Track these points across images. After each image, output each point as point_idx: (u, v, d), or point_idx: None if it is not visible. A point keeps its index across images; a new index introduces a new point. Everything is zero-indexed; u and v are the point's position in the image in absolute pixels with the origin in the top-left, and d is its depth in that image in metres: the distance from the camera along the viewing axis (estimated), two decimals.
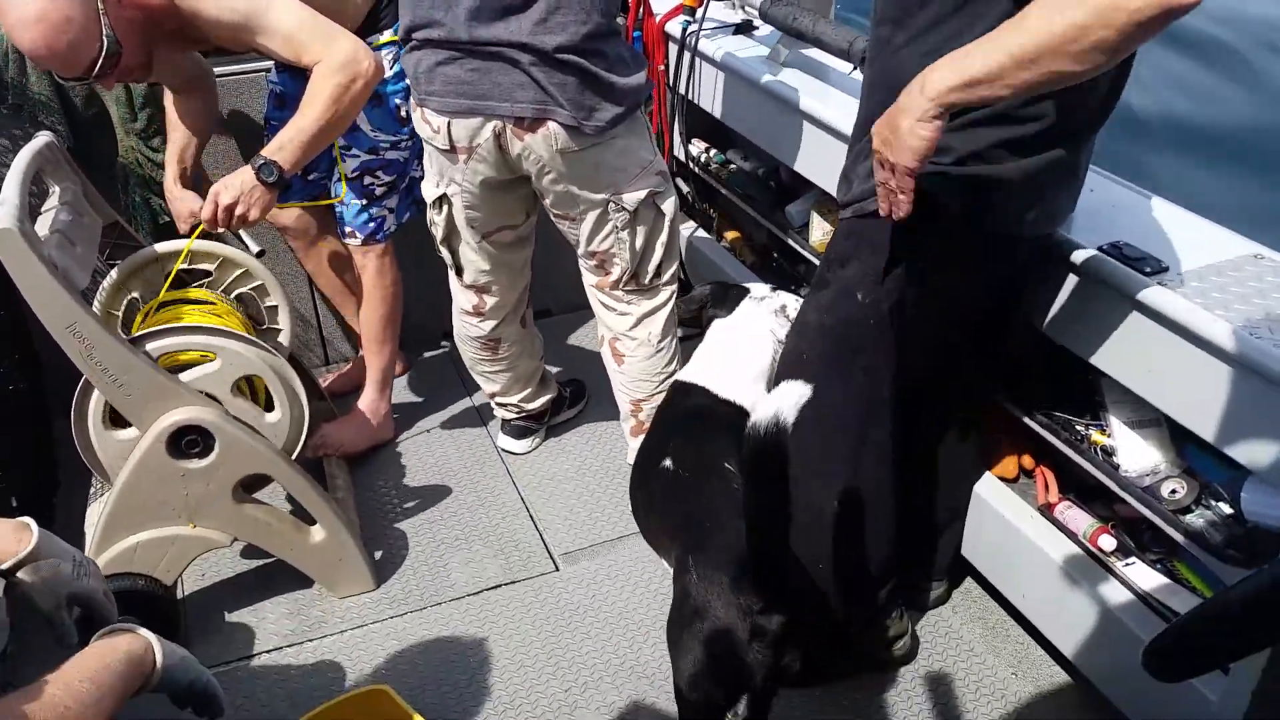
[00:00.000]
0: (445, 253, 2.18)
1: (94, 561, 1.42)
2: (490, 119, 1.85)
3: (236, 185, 1.92)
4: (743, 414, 1.71)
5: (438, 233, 2.14)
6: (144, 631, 1.27)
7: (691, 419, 1.77)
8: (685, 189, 2.99)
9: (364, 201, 2.32)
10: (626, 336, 2.12)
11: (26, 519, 1.33)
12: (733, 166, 2.83)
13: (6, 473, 2.06)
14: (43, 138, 1.96)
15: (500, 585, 2.13)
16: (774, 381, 1.68)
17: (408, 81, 2.09)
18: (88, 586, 1.38)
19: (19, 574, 1.30)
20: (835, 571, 1.71)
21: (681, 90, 2.77)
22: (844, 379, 1.62)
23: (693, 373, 1.88)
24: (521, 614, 2.05)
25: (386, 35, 2.20)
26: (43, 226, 1.86)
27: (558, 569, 2.17)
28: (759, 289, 1.99)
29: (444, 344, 2.91)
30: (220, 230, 1.99)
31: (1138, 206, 1.77)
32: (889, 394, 1.62)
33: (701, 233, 3.01)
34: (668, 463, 1.68)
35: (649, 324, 2.10)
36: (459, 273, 2.20)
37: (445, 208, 2.08)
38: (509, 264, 2.19)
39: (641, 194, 1.96)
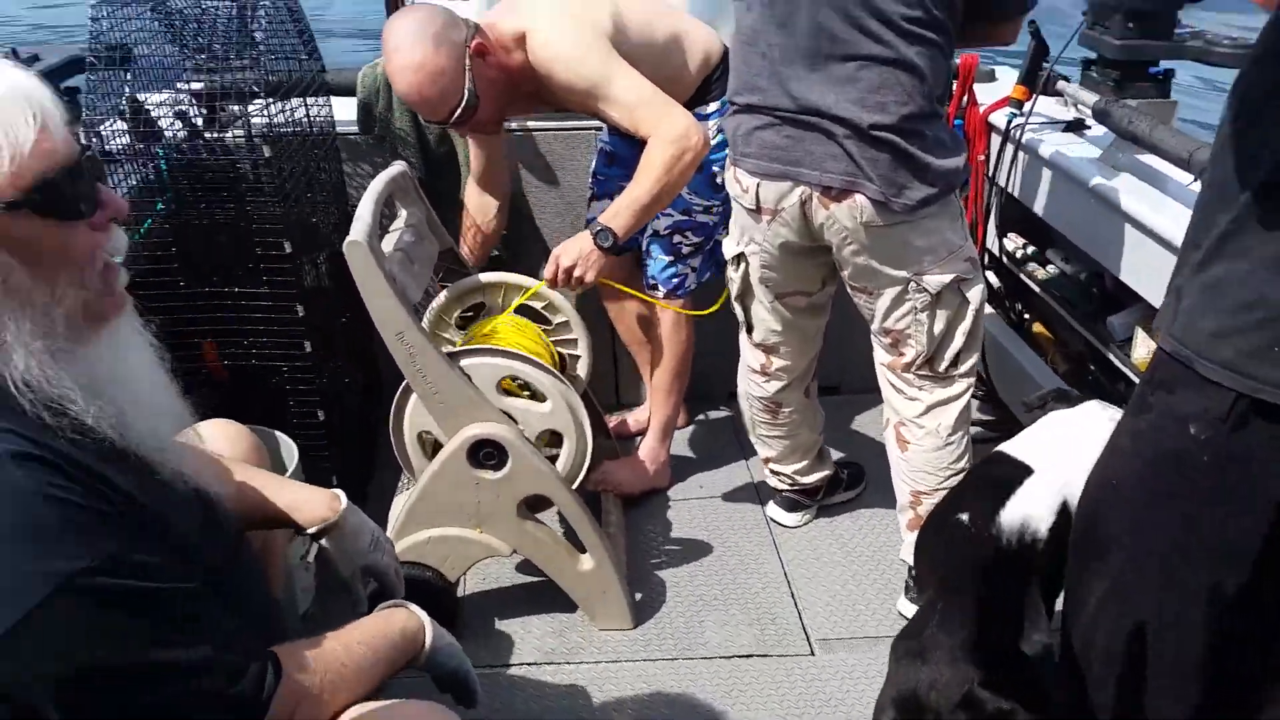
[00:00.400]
0: (738, 309, 2.21)
1: (390, 540, 1.52)
2: (799, 185, 1.87)
3: (576, 250, 2.11)
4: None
5: (733, 289, 2.18)
6: (419, 612, 1.34)
7: (1000, 486, 1.68)
8: (995, 283, 2.88)
9: (670, 258, 2.41)
10: (914, 423, 2.04)
11: (338, 491, 1.45)
12: (1050, 267, 2.69)
13: (335, 452, 2.25)
14: (397, 166, 2.18)
15: (752, 656, 2.08)
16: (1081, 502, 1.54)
17: (728, 151, 2.18)
18: (382, 561, 1.48)
19: (323, 540, 1.42)
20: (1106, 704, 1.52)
21: (1001, 182, 2.69)
22: (1158, 521, 1.42)
23: (1018, 448, 1.77)
24: (771, 690, 1.99)
25: (713, 105, 2.30)
26: (389, 244, 2.05)
27: (813, 653, 2.09)
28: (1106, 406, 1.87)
29: (723, 408, 2.94)
30: (558, 287, 2.18)
31: None
32: (1235, 539, 1.38)
33: (1009, 331, 2.87)
34: (964, 516, 1.65)
35: (940, 414, 2.01)
36: (749, 330, 2.22)
37: (743, 265, 2.12)
38: (800, 329, 2.18)
39: (946, 278, 1.90)
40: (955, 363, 2.00)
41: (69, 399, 0.99)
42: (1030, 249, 2.76)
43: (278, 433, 2.07)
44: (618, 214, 2.10)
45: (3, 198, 0.94)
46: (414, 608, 1.35)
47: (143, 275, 2.13)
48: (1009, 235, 2.81)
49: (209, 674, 1.01)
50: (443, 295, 2.27)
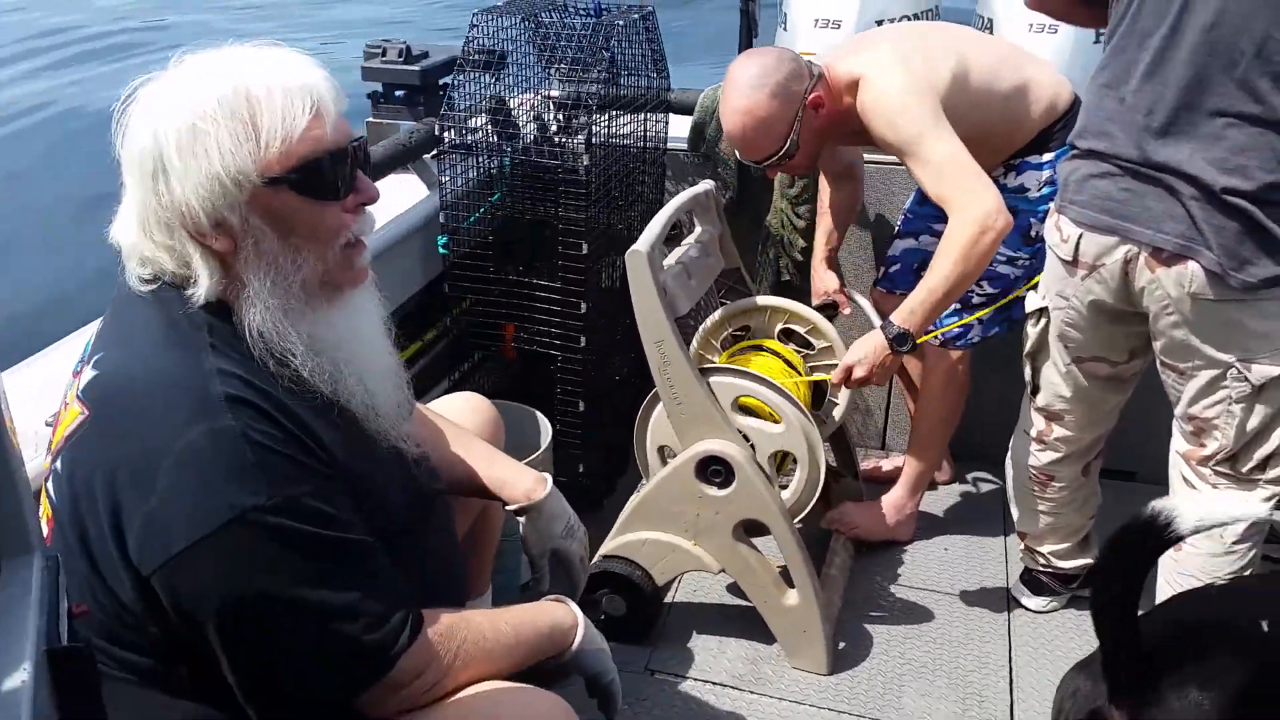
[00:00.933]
0: (1027, 368, 2.09)
1: (584, 530, 1.64)
2: (1126, 241, 1.74)
3: (869, 356, 2.06)
4: None
5: (1027, 345, 2.07)
6: (577, 610, 1.41)
7: None
8: None
9: (958, 305, 2.32)
10: None
11: (546, 475, 1.60)
12: None
13: (589, 442, 2.46)
14: (704, 185, 2.30)
15: None
16: None
17: (1049, 205, 2.07)
18: (571, 548, 1.59)
19: (522, 518, 1.57)
20: None
21: None
22: None
23: None
24: None
25: (1048, 155, 2.19)
26: (674, 256, 2.19)
27: None
28: None
29: (992, 474, 2.77)
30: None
31: None
32: None
33: None
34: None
35: None
36: (1034, 392, 2.09)
37: (1043, 321, 2.00)
38: (1092, 400, 2.02)
39: (1275, 371, 1.69)
40: (1263, 466, 1.78)
41: (291, 353, 1.16)
42: None
43: (538, 413, 2.30)
44: (913, 312, 2.02)
45: (269, 173, 1.12)
46: (573, 606, 1.42)
47: (465, 257, 2.46)
48: None
49: (349, 619, 1.11)
50: (718, 312, 2.38)
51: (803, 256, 2.76)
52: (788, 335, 2.35)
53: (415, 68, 2.64)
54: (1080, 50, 2.70)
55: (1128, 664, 1.33)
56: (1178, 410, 1.84)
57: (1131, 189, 1.71)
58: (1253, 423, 1.73)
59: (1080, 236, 1.81)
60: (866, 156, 2.69)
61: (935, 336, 2.34)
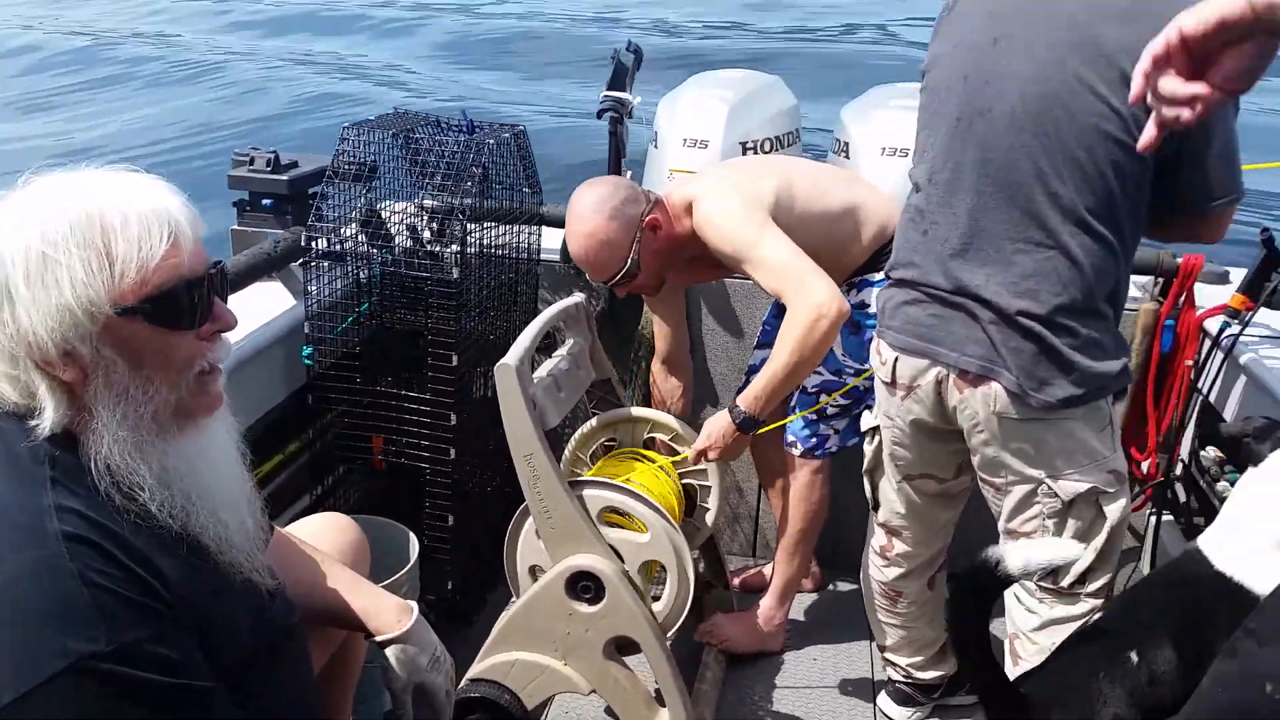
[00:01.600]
0: (867, 484, 2.17)
1: (450, 661, 1.60)
2: (936, 364, 1.83)
3: (716, 436, 2.19)
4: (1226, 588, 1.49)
5: (865, 462, 2.15)
6: None
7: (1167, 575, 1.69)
8: (1184, 497, 2.63)
9: (814, 417, 2.40)
10: (1027, 638, 1.90)
11: (411, 603, 1.55)
12: None
13: (458, 555, 2.40)
14: (575, 298, 2.33)
15: None
16: None
17: None
18: (435, 681, 1.54)
19: (387, 650, 1.51)
20: None
21: (1205, 391, 2.48)
22: None
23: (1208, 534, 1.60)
24: None
25: (881, 275, 2.30)
26: (544, 369, 2.20)
27: None
28: None
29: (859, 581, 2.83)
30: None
31: None
32: None
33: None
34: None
35: (1055, 633, 1.85)
36: (875, 507, 2.17)
37: (876, 439, 2.09)
38: (927, 516, 2.10)
39: (1082, 487, 1.78)
40: (1082, 580, 1.85)
41: (140, 486, 1.10)
42: (1227, 467, 2.51)
43: (406, 529, 2.25)
44: (757, 397, 2.14)
45: (123, 303, 1.08)
46: None
47: (332, 368, 2.41)
48: (1207, 449, 2.57)
49: None
50: (591, 422, 2.39)
51: None
52: (660, 445, 2.38)
53: (284, 177, 2.62)
54: None
55: (997, 694, 1.49)
56: (1000, 525, 1.92)
57: (938, 314, 1.81)
58: (1066, 538, 1.80)
59: (896, 359, 1.90)
60: (734, 276, 2.79)
61: (791, 441, 2.41)
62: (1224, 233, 1.77)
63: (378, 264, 2.49)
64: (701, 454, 2.22)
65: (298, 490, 2.46)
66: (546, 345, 2.34)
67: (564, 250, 2.86)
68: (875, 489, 2.15)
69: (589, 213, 2.18)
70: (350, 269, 2.48)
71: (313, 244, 2.42)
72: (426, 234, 2.60)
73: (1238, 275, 2.84)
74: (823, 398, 2.38)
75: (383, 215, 2.54)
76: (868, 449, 2.13)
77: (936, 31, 1.88)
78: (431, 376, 2.34)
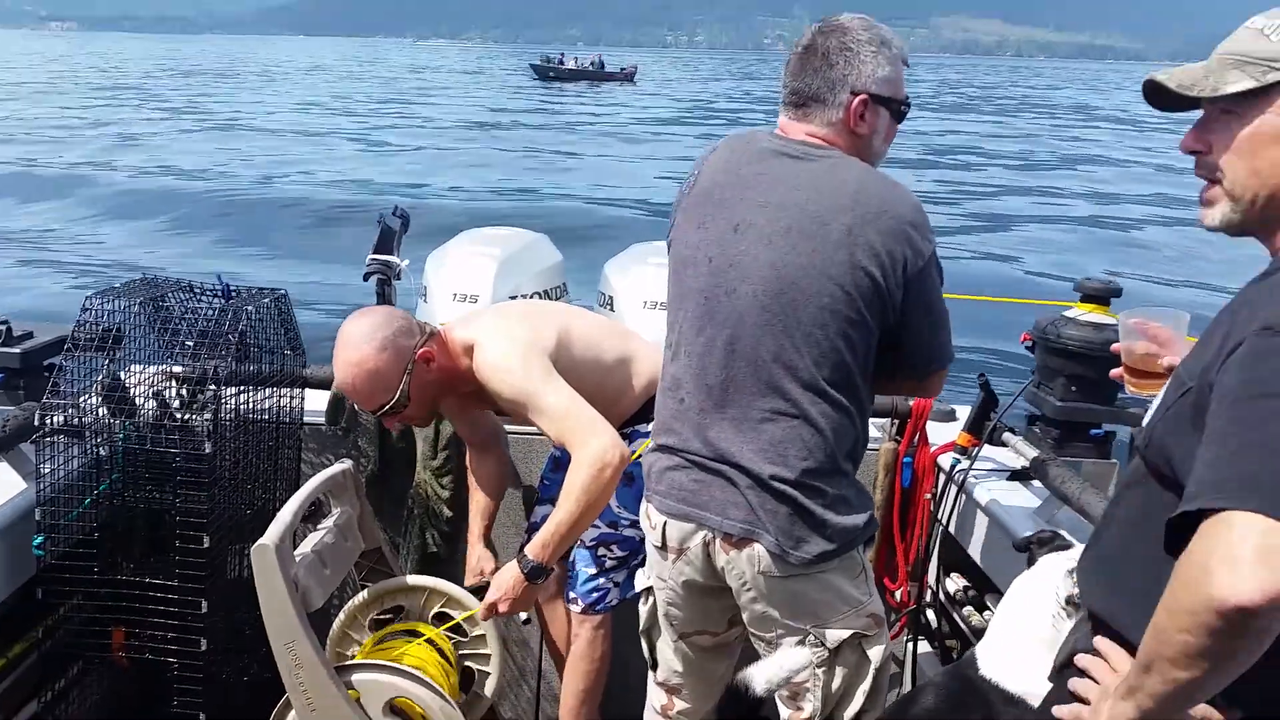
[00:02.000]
0: (644, 644, 2.18)
1: None
2: (702, 527, 1.90)
3: (506, 588, 2.17)
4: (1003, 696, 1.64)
5: (641, 622, 2.16)
6: None
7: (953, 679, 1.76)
8: (935, 624, 2.81)
9: (593, 570, 2.41)
10: None
11: None
12: (987, 614, 2.63)
13: None
14: (339, 466, 2.27)
15: None
16: None
17: None
18: None
19: None
20: None
21: (944, 523, 2.68)
22: None
23: (981, 649, 1.75)
24: None
25: (650, 425, 2.37)
26: (307, 544, 2.11)
27: None
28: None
29: None
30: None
31: None
32: None
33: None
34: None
35: None
36: (653, 667, 2.18)
37: (650, 599, 2.12)
38: (705, 672, 2.13)
39: (845, 633, 1.88)
40: None
41: None
42: (971, 592, 2.71)
43: None
44: (545, 545, 2.14)
45: None
46: None
47: (65, 556, 2.21)
48: (951, 575, 2.77)
49: None
50: (362, 595, 2.30)
51: (449, 527, 2.77)
52: (439, 617, 2.31)
53: (15, 350, 2.44)
54: None
55: None
56: None
57: (700, 479, 1.89)
58: (835, 684, 1.89)
59: (665, 524, 1.95)
60: (506, 428, 2.80)
61: (572, 598, 2.41)
62: (940, 389, 2.00)
63: (120, 438, 2.33)
64: (492, 608, 2.18)
65: (22, 698, 2.20)
66: (313, 513, 2.26)
67: (330, 411, 2.80)
68: (653, 648, 2.16)
69: (358, 341, 2.15)
70: (89, 445, 2.31)
71: (47, 420, 2.24)
72: (176, 402, 2.48)
73: (963, 412, 3.14)
74: (600, 550, 2.40)
75: (127, 384, 2.39)
76: (643, 609, 2.15)
77: (678, 206, 2.00)
78: (180, 560, 2.18)
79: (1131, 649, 1.21)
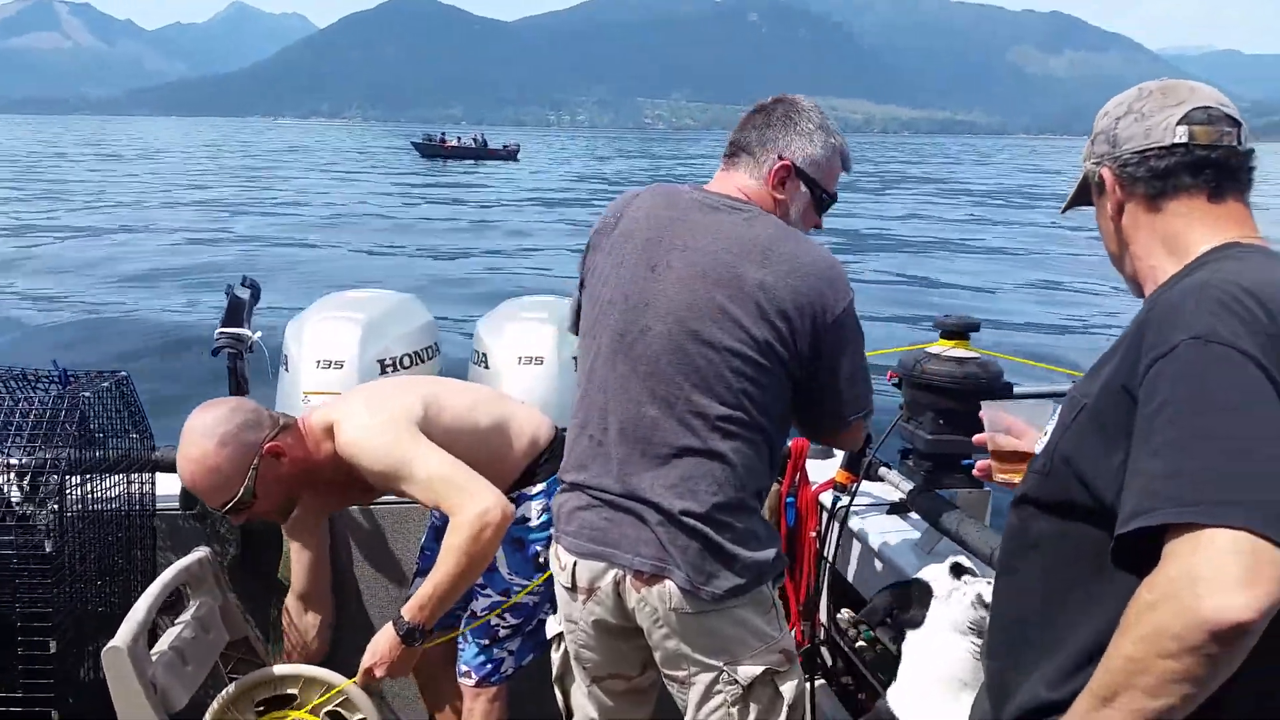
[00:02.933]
0: (558, 692, 2.14)
1: None
2: (613, 566, 1.87)
3: (383, 652, 2.11)
4: None
5: (554, 670, 2.12)
6: None
7: None
8: (829, 660, 2.81)
9: (486, 641, 2.33)
10: None
11: None
12: (879, 647, 2.64)
13: None
14: (196, 554, 2.13)
15: None
16: None
17: (551, 531, 2.18)
18: None
19: None
20: None
21: (830, 559, 2.70)
22: None
23: (895, 698, 1.78)
24: None
25: (539, 486, 2.33)
26: (165, 641, 1.96)
27: None
28: (942, 583, 1.85)
29: None
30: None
31: None
32: None
33: (841, 709, 2.77)
34: None
35: None
36: (568, 716, 2.13)
37: (561, 645, 2.08)
38: (619, 715, 2.07)
39: (757, 669, 1.86)
40: None
41: None
42: (862, 626, 2.72)
43: None
44: (422, 606, 2.08)
45: None
46: None
47: None
48: (842, 610, 2.78)
49: None
50: (230, 689, 2.15)
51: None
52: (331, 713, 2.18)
53: None
54: (565, 377, 2.98)
55: None
56: (686, 718, 1.94)
57: (611, 518, 1.87)
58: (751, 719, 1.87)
59: (575, 564, 1.92)
60: (383, 500, 2.69)
61: (464, 671, 2.32)
62: (861, 439, 2.06)
63: None
64: (369, 673, 2.11)
65: None
66: (172, 605, 2.11)
67: (184, 497, 2.63)
68: (567, 696, 2.12)
69: (198, 437, 2.05)
70: None
71: None
72: (16, 495, 2.28)
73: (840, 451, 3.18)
74: (494, 620, 2.32)
75: None
76: (555, 656, 2.11)
77: (596, 245, 2.01)
78: (23, 670, 1.99)
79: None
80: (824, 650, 2.81)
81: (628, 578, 1.85)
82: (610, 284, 1.92)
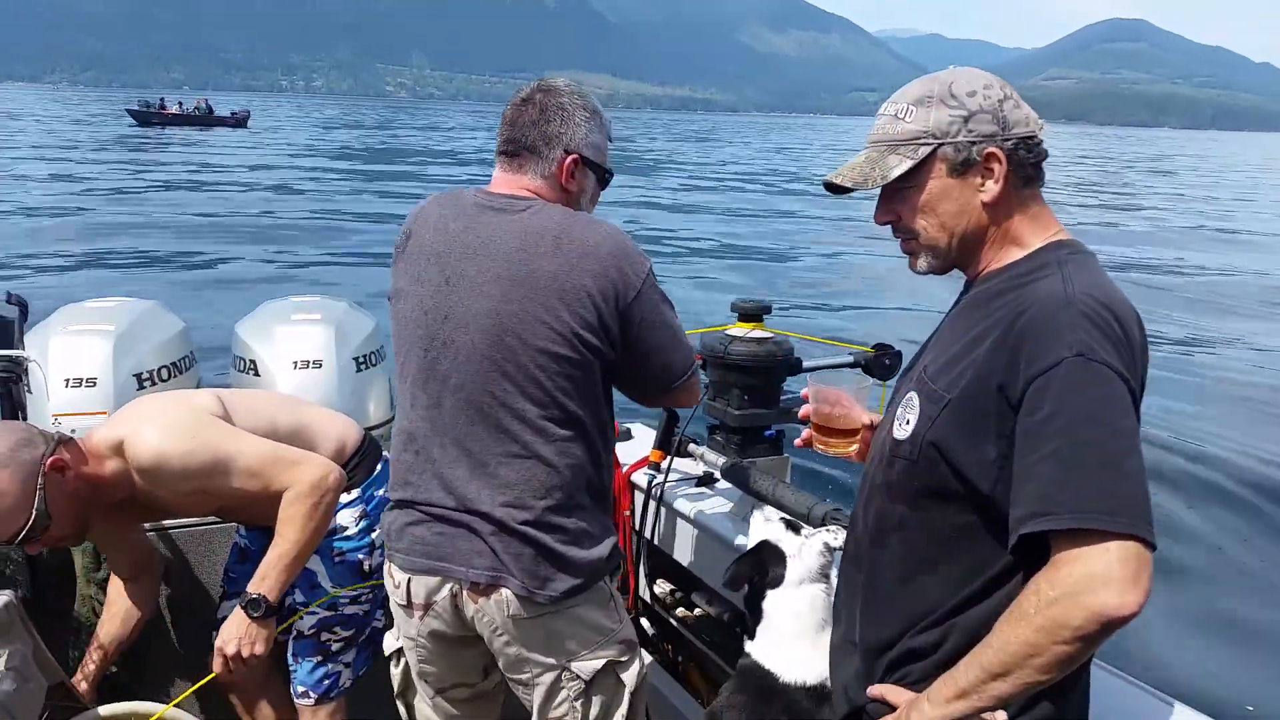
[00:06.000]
0: (401, 707, 2.11)
1: None
2: (448, 579, 1.87)
3: (235, 632, 2.07)
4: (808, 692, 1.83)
5: (395, 685, 2.10)
6: None
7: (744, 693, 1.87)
8: (649, 629, 2.97)
9: (320, 658, 2.27)
10: None
11: None
12: (697, 611, 2.84)
13: None
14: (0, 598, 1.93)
15: None
16: None
17: (370, 537, 2.20)
18: None
19: None
20: None
21: (647, 535, 2.84)
22: None
23: (760, 650, 1.92)
24: None
25: (353, 493, 2.29)
26: None
27: None
28: (788, 542, 1.98)
29: None
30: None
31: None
32: None
33: (665, 676, 2.94)
34: None
35: None
36: None
37: (401, 661, 2.06)
38: None
39: (598, 663, 1.91)
40: None
41: None
42: (678, 594, 2.91)
43: None
44: (265, 577, 2.07)
45: None
46: None
47: None
48: (658, 581, 2.95)
49: None
50: None
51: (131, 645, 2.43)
52: None
53: None
54: (346, 380, 2.90)
55: None
56: (533, 718, 1.97)
57: (443, 532, 1.87)
58: (594, 713, 1.93)
59: (409, 580, 1.91)
60: (184, 522, 2.54)
61: (302, 692, 2.28)
62: (698, 395, 2.07)
63: None
64: (226, 660, 2.08)
65: None
66: None
67: None
68: (410, 709, 2.10)
69: None
70: None
71: None
72: None
73: (638, 430, 3.33)
74: (324, 636, 2.26)
75: None
76: (395, 672, 2.08)
77: (395, 263, 1.97)
78: None
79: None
80: (644, 621, 2.96)
81: (464, 590, 1.86)
82: (410, 300, 1.90)
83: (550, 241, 1.80)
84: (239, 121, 65.51)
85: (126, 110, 67.52)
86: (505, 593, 1.82)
